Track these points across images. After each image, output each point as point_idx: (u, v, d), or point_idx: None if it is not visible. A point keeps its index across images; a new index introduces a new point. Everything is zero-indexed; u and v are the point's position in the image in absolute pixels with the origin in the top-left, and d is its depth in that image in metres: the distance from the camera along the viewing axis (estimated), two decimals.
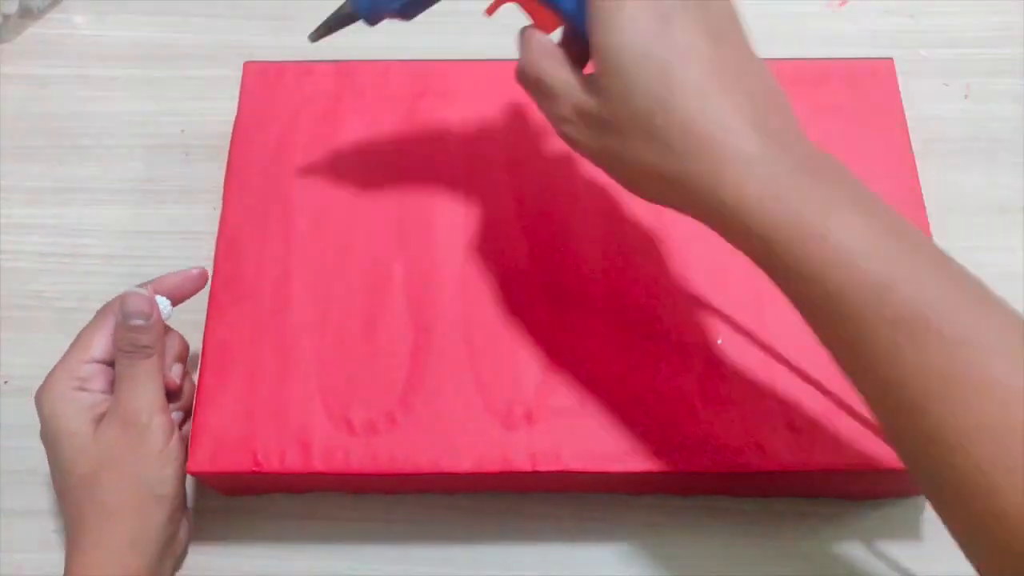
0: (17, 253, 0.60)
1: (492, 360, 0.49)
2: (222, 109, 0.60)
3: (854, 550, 0.52)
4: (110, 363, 0.49)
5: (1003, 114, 0.64)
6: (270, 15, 0.69)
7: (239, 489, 0.52)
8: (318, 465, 0.47)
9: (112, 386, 0.48)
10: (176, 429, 0.49)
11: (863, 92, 0.57)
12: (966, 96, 0.65)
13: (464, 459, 0.47)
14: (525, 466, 0.47)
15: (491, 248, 0.52)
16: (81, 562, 0.46)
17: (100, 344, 0.49)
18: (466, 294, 0.51)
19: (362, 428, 0.48)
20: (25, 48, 0.68)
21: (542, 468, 0.47)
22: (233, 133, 0.56)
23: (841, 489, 0.52)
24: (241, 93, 0.57)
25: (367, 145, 0.55)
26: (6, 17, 0.67)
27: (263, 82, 0.57)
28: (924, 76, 0.65)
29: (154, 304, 0.49)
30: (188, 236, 0.60)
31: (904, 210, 0.52)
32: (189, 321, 0.57)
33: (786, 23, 0.68)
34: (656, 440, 0.47)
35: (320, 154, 0.55)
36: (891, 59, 0.58)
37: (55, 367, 0.48)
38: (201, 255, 0.59)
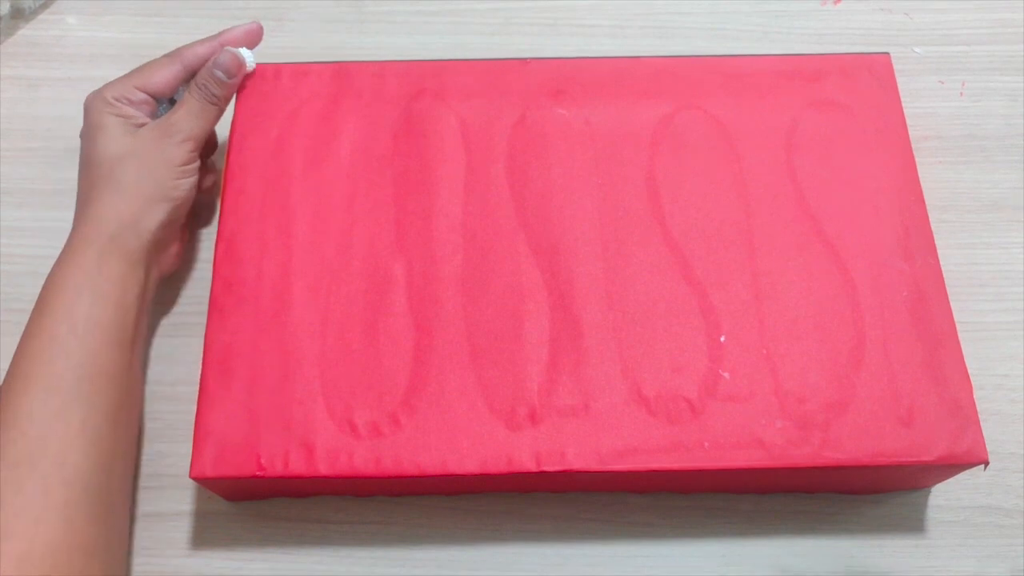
0: (11, 257, 0.60)
1: (494, 360, 0.49)
2: None
3: (854, 546, 0.52)
4: (160, 101, 0.55)
5: (999, 111, 0.64)
6: (261, 16, 0.68)
7: (242, 494, 0.52)
8: (322, 468, 0.47)
9: (152, 118, 0.54)
10: (198, 162, 0.55)
11: (860, 88, 0.57)
12: (961, 94, 0.65)
13: (469, 460, 0.47)
14: (530, 466, 0.47)
15: (491, 247, 0.52)
16: (84, 231, 0.50)
17: (159, 81, 0.54)
18: (467, 294, 0.51)
19: (366, 430, 0.48)
20: (17, 50, 0.67)
21: (547, 468, 0.47)
22: (231, 135, 0.55)
23: (842, 484, 0.52)
24: (238, 95, 0.56)
25: (365, 145, 0.55)
26: None
27: (260, 83, 0.57)
28: (919, 74, 0.66)
29: (242, 68, 0.55)
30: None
31: (904, 206, 0.53)
32: (189, 323, 0.57)
33: (781, 21, 0.68)
34: (659, 437, 0.48)
35: (318, 155, 0.55)
36: (887, 54, 0.58)
37: (111, 82, 0.54)
38: (200, 256, 0.59)
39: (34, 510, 0.43)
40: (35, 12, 0.69)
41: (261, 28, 0.57)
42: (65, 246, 0.50)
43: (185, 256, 0.58)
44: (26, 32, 0.68)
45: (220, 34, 0.56)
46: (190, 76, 0.55)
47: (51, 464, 0.44)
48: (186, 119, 0.53)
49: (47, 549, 0.43)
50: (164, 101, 0.56)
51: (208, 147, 0.59)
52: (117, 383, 0.48)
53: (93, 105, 0.53)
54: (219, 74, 0.54)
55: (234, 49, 0.55)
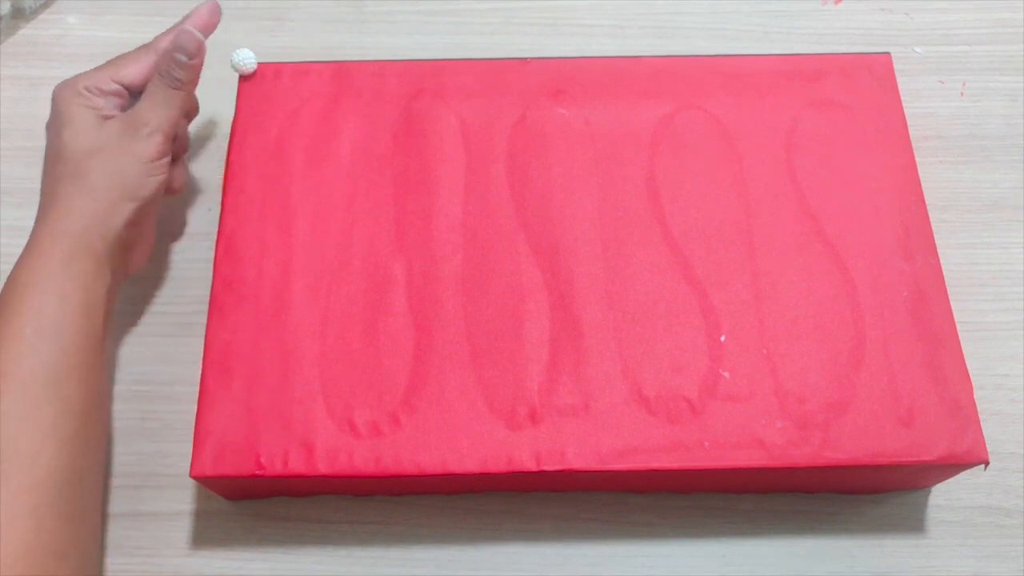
0: (12, 257, 0.59)
1: (494, 360, 0.49)
2: (217, 110, 0.60)
3: (854, 546, 0.52)
4: (133, 93, 0.53)
5: (999, 111, 0.64)
6: (262, 16, 0.68)
7: (242, 493, 0.52)
8: (322, 468, 0.47)
9: (124, 110, 0.53)
10: (168, 157, 0.53)
11: (860, 88, 0.57)
12: (962, 94, 0.65)
13: (469, 460, 0.47)
14: (530, 466, 0.47)
15: (491, 247, 0.52)
16: (50, 229, 0.49)
17: (132, 72, 0.53)
18: (467, 293, 0.51)
19: (365, 430, 0.48)
20: (18, 49, 0.67)
21: (547, 468, 0.47)
22: (231, 134, 0.55)
23: (842, 484, 0.52)
24: (239, 94, 0.56)
25: (365, 145, 0.55)
26: None
27: (260, 83, 0.57)
28: (919, 74, 0.66)
29: (202, 49, 0.53)
30: (185, 237, 0.60)
31: (905, 206, 0.53)
32: (189, 323, 0.57)
33: (781, 21, 0.68)
34: (659, 437, 0.48)
35: (318, 155, 0.55)
36: (888, 54, 0.58)
37: (82, 73, 0.52)
38: (198, 256, 0.59)
39: (3, 512, 0.42)
40: (35, 12, 0.69)
41: (218, 5, 0.55)
42: (28, 244, 0.49)
43: (182, 256, 0.58)
44: (26, 32, 0.68)
45: (184, 18, 0.54)
46: None
47: (21, 465, 0.43)
48: (151, 109, 0.52)
49: (17, 552, 0.42)
50: (138, 95, 0.54)
51: (179, 145, 0.56)
52: (87, 384, 0.47)
53: (62, 95, 0.52)
54: (179, 56, 0.52)
55: (192, 28, 0.53)
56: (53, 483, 0.44)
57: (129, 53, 0.54)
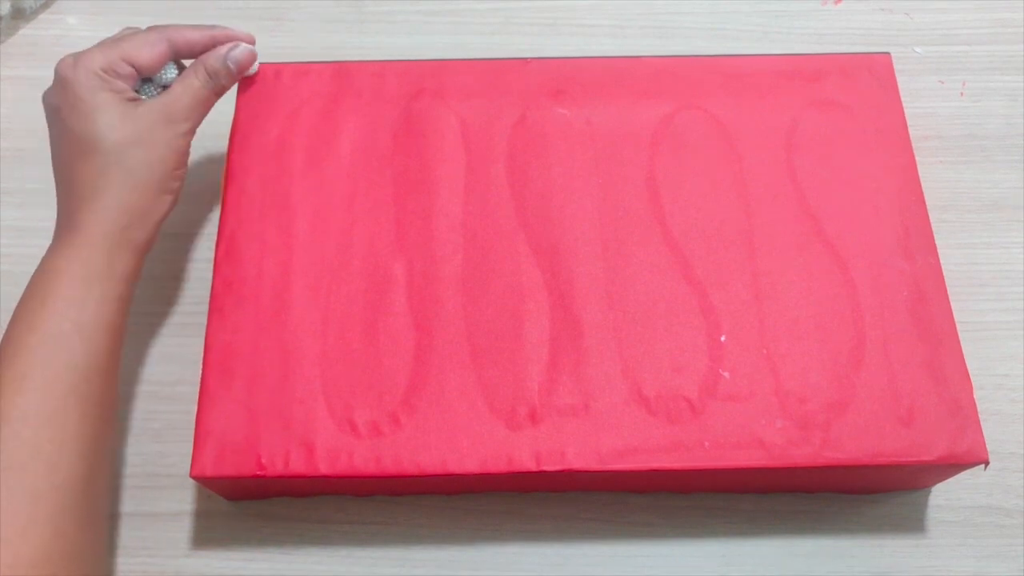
0: (12, 256, 0.60)
1: (494, 360, 0.49)
2: (217, 110, 0.59)
3: (854, 546, 0.52)
4: (144, 77, 0.52)
5: (999, 111, 0.64)
6: (262, 16, 0.68)
7: (242, 493, 0.52)
8: (322, 468, 0.47)
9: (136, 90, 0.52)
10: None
11: (860, 88, 0.57)
12: (962, 94, 0.65)
13: (469, 460, 0.47)
14: (530, 466, 0.47)
15: (491, 247, 0.52)
16: (91, 220, 0.48)
17: (148, 57, 0.51)
18: (467, 294, 0.51)
19: (366, 430, 0.48)
20: (18, 50, 0.67)
21: (547, 468, 0.47)
22: (232, 134, 0.55)
23: (842, 484, 0.52)
24: (239, 94, 0.56)
25: (365, 145, 0.55)
26: None
27: (260, 83, 0.57)
28: (919, 73, 0.66)
29: (254, 62, 0.55)
30: (185, 237, 0.60)
31: (905, 206, 0.53)
32: (189, 323, 0.57)
33: (781, 21, 0.68)
34: (659, 437, 0.48)
35: (319, 155, 0.55)
36: (888, 54, 0.58)
37: (92, 49, 0.50)
38: (198, 256, 0.59)
39: (23, 517, 0.42)
40: (36, 12, 0.69)
41: (255, 54, 0.56)
42: (65, 236, 0.48)
43: (182, 256, 0.58)
44: (26, 32, 0.68)
45: (213, 27, 0.54)
46: (174, 58, 0.53)
47: (43, 469, 0.43)
48: (192, 106, 0.52)
49: (35, 557, 0.41)
50: (145, 79, 0.53)
51: None
52: (110, 384, 0.47)
53: (80, 79, 0.49)
54: (231, 67, 0.53)
55: (251, 47, 0.55)
56: (72, 487, 0.44)
57: (139, 35, 0.52)
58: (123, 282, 0.48)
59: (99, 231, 0.48)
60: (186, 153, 0.52)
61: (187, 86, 0.52)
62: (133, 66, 0.51)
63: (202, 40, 0.53)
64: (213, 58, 0.53)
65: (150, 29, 0.53)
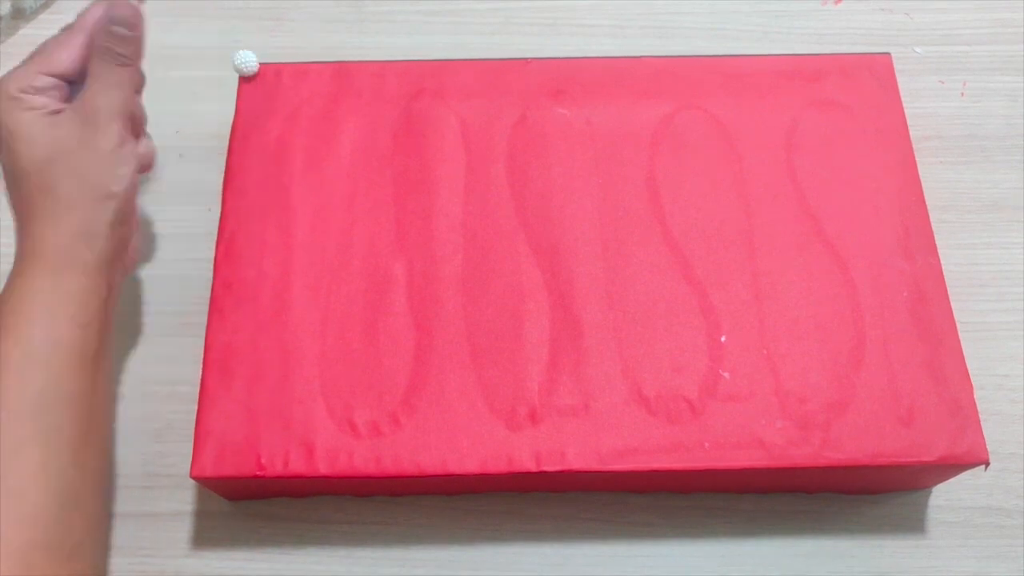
0: (12, 256, 0.60)
1: (494, 360, 0.49)
2: (216, 110, 0.59)
3: (854, 546, 0.52)
4: (71, 81, 0.48)
5: (999, 111, 0.64)
6: (262, 16, 0.68)
7: (242, 493, 0.52)
8: (322, 468, 0.47)
9: (67, 103, 0.47)
10: (132, 140, 0.49)
11: (860, 88, 0.57)
12: (962, 94, 0.65)
13: (469, 460, 0.47)
14: (530, 466, 0.47)
15: (491, 247, 0.52)
16: (31, 249, 0.45)
17: (64, 59, 0.47)
18: (467, 294, 0.51)
19: (366, 430, 0.48)
20: (18, 50, 0.67)
21: (547, 468, 0.47)
22: (231, 134, 0.55)
23: (842, 484, 0.52)
24: (238, 94, 0.56)
25: (365, 145, 0.55)
26: None
27: (260, 83, 0.57)
28: (920, 74, 0.66)
29: (141, 17, 0.48)
30: (184, 238, 0.60)
31: (905, 206, 0.53)
32: (189, 323, 0.57)
33: (781, 21, 0.68)
34: (659, 437, 0.48)
35: (318, 155, 0.55)
36: (888, 54, 0.58)
37: (8, 73, 0.46)
38: (198, 256, 0.59)
39: None
40: (36, 12, 0.69)
41: (134, 6, 0.49)
42: (14, 268, 0.46)
43: (181, 256, 0.58)
44: (27, 32, 0.68)
45: None
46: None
47: (8, 503, 0.41)
48: (102, 94, 0.47)
49: None
50: (78, 83, 0.49)
51: (137, 122, 0.51)
52: (80, 409, 0.45)
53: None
54: (118, 30, 0.47)
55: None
56: (42, 523, 0.42)
57: (54, 39, 0.48)
58: (75, 303, 0.45)
59: (34, 258, 0.45)
60: (120, 144, 0.47)
61: (91, 75, 0.47)
62: (53, 75, 0.47)
63: (106, 14, 0.48)
64: (97, 36, 0.47)
65: (64, 29, 0.49)
